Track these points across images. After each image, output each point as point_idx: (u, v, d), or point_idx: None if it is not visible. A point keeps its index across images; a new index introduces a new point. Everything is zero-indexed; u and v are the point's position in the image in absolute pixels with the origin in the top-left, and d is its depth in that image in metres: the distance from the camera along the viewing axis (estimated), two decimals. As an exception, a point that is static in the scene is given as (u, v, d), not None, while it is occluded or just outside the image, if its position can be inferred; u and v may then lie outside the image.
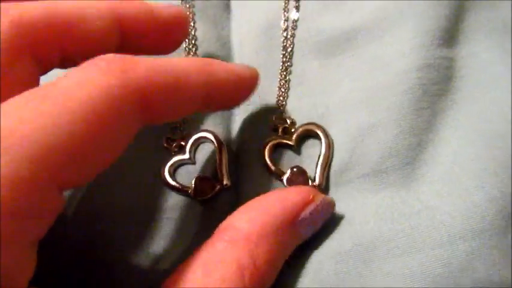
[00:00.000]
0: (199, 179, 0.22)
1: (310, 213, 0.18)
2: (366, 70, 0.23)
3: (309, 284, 0.19)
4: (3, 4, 0.16)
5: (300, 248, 0.19)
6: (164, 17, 0.19)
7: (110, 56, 0.15)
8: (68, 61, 0.18)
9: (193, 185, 0.21)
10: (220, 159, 0.22)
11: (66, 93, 0.14)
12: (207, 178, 0.22)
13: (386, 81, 0.22)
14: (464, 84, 0.22)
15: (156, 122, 0.17)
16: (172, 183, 0.22)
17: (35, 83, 0.17)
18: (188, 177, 0.22)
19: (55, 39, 0.17)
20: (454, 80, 0.22)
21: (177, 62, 0.17)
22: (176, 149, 0.23)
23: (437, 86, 0.22)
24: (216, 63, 0.19)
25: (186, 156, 0.22)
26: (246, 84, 0.20)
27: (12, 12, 0.16)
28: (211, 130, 0.23)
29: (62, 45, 0.17)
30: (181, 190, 0.21)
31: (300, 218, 0.18)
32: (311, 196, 0.18)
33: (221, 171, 0.22)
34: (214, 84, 0.18)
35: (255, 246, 0.16)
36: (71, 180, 0.14)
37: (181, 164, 0.22)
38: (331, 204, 0.20)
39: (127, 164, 0.21)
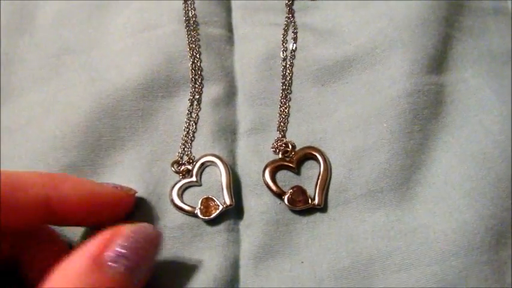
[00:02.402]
0: (205, 200, 0.23)
1: (120, 247, 0.17)
2: (360, 96, 0.24)
3: (309, 300, 0.19)
4: None
5: (298, 264, 0.20)
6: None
7: None
8: None
9: (199, 206, 0.23)
10: (225, 182, 0.23)
11: None
12: (212, 199, 0.23)
13: (379, 106, 0.23)
14: (454, 108, 0.23)
15: (6, 230, 0.18)
16: (180, 204, 0.23)
17: None
18: (194, 198, 0.23)
19: None
20: (444, 104, 0.24)
21: (14, 173, 0.18)
22: (184, 173, 0.24)
23: (427, 110, 0.23)
24: (69, 179, 0.20)
25: (193, 179, 0.24)
26: (110, 206, 0.21)
27: None
28: (216, 154, 0.24)
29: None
30: (187, 211, 0.23)
31: (105, 256, 0.17)
32: (112, 232, 0.18)
33: (224, 192, 0.23)
34: (58, 197, 0.19)
35: None
36: None
37: (188, 186, 0.24)
38: (144, 230, 0.18)
39: None
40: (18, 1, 0.31)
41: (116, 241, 0.17)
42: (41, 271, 0.18)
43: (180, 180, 0.24)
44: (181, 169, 0.24)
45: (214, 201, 0.23)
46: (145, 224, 0.19)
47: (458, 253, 0.19)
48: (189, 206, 0.23)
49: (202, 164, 0.24)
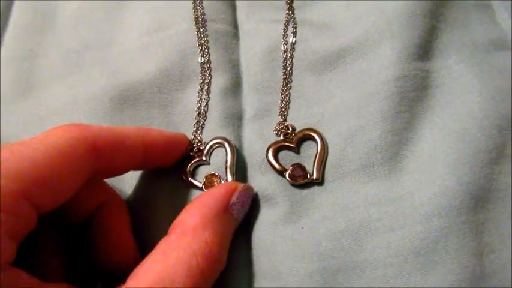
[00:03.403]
0: (210, 176, 0.26)
1: (237, 198, 0.23)
2: (354, 82, 0.27)
3: (308, 259, 0.22)
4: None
5: (299, 230, 0.22)
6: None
7: (71, 124, 0.21)
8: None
9: (203, 181, 0.26)
10: (229, 161, 0.26)
11: (38, 141, 0.20)
12: (216, 176, 0.26)
13: (370, 90, 0.26)
14: (439, 91, 0.26)
15: (107, 174, 0.23)
16: (190, 179, 0.26)
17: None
18: (203, 175, 0.26)
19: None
20: (429, 88, 0.26)
21: (120, 128, 0.24)
22: (196, 153, 0.27)
23: (414, 93, 0.25)
24: (151, 129, 0.25)
25: (203, 158, 0.27)
26: (176, 146, 0.26)
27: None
28: (224, 137, 0.27)
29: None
30: (195, 185, 0.26)
31: (230, 203, 0.23)
32: (234, 186, 0.23)
33: (228, 171, 0.26)
34: (150, 143, 0.24)
35: (201, 232, 0.21)
36: (38, 199, 0.19)
37: (199, 164, 0.27)
38: (250, 188, 0.24)
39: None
40: (40, 1, 0.34)
41: (236, 194, 0.23)
42: (104, 233, 0.23)
43: (191, 159, 0.26)
44: (194, 150, 0.27)
45: (218, 177, 0.26)
46: (247, 184, 0.25)
47: (440, 214, 0.21)
48: (198, 181, 0.26)
49: (212, 145, 0.27)
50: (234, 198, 0.23)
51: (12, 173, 0.18)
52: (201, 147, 0.27)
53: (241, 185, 0.24)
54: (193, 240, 0.20)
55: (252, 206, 0.25)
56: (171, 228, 0.22)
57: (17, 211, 0.18)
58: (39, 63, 0.31)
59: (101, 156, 0.21)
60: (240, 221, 0.24)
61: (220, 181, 0.26)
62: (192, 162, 0.26)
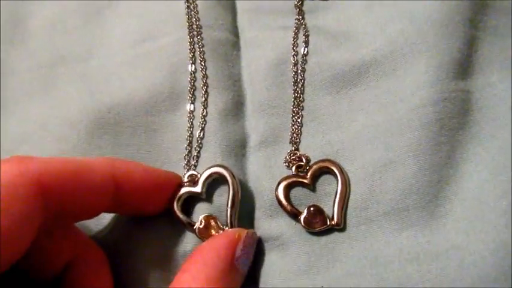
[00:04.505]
0: (206, 218, 0.21)
1: (242, 250, 0.20)
2: (379, 105, 0.23)
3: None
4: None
5: None
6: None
7: (9, 158, 0.17)
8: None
9: (198, 224, 0.21)
10: (231, 202, 0.21)
11: None
12: (213, 217, 0.21)
13: (401, 116, 0.22)
14: (482, 116, 0.22)
15: (70, 218, 0.19)
16: (179, 215, 0.22)
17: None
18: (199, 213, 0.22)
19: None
20: (471, 112, 0.22)
21: (78, 159, 0.19)
22: (187, 180, 0.22)
23: (454, 120, 0.21)
24: (127, 161, 0.21)
25: (198, 189, 0.22)
26: (165, 187, 0.21)
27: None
28: (227, 166, 0.22)
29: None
30: (186, 224, 0.22)
31: (235, 258, 0.19)
32: (236, 235, 0.20)
33: (230, 217, 0.21)
34: (123, 178, 0.19)
35: None
36: None
37: (190, 195, 0.22)
38: (254, 234, 0.21)
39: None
40: (10, 7, 0.29)
41: (240, 245, 0.20)
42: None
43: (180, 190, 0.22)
44: (185, 184, 0.22)
45: (216, 221, 0.21)
46: (250, 230, 0.21)
47: (499, 279, 0.17)
48: (188, 218, 0.22)
49: (209, 176, 0.22)
50: (238, 251, 0.20)
51: None
52: (195, 180, 0.22)
53: (244, 233, 0.20)
54: None
55: (259, 255, 0.21)
56: None
57: None
58: (6, 80, 0.27)
59: (51, 196, 0.17)
60: (245, 274, 0.20)
61: (218, 225, 0.21)
62: (182, 193, 0.22)
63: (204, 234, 0.21)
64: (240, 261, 0.20)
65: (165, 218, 0.22)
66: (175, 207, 0.22)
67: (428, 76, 0.22)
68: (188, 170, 0.23)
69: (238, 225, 0.22)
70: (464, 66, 0.22)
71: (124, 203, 0.20)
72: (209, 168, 0.22)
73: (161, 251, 0.22)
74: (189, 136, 0.24)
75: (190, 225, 0.21)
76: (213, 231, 0.21)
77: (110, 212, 0.21)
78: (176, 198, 0.22)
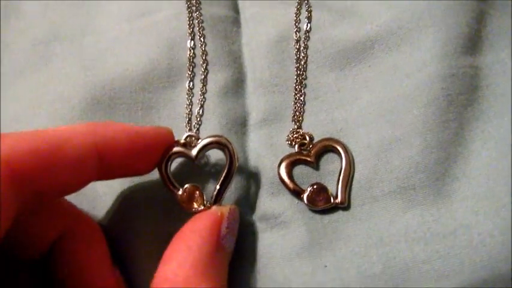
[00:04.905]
0: (191, 188, 0.20)
1: (227, 227, 0.19)
2: (385, 81, 0.22)
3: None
4: None
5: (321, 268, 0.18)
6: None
7: None
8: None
9: (183, 192, 0.20)
10: (224, 177, 0.20)
11: None
12: (198, 188, 0.20)
13: (407, 92, 0.21)
14: (491, 93, 0.21)
15: (53, 193, 0.17)
16: (164, 175, 0.20)
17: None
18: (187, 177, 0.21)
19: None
20: (480, 89, 0.21)
21: (53, 130, 0.17)
22: (184, 141, 0.21)
23: (463, 97, 0.21)
24: (110, 124, 0.19)
25: (193, 153, 0.21)
26: (154, 144, 0.20)
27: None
28: (226, 138, 0.21)
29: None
30: (170, 188, 0.20)
31: (221, 236, 0.19)
32: (219, 213, 0.19)
33: (217, 193, 0.20)
34: (106, 143, 0.18)
35: (197, 285, 0.17)
36: None
37: (181, 156, 0.21)
38: (236, 209, 0.20)
39: None
40: None
41: (224, 223, 0.19)
42: (73, 268, 0.18)
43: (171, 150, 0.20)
44: (180, 143, 0.21)
45: (200, 193, 0.20)
46: (232, 205, 0.20)
47: (508, 258, 0.17)
48: (174, 181, 0.20)
49: (207, 144, 0.21)
50: (223, 230, 0.19)
51: None
52: (193, 144, 0.21)
53: (227, 210, 0.19)
54: None
55: (260, 233, 0.21)
56: (156, 283, 0.17)
57: None
58: (1, 57, 0.26)
59: (25, 178, 0.16)
60: (232, 251, 0.20)
61: (203, 199, 0.20)
62: (172, 152, 0.20)
63: (185, 203, 0.20)
64: (225, 239, 0.19)
65: (162, 194, 0.21)
66: (162, 166, 0.20)
67: (436, 51, 0.21)
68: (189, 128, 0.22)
69: (237, 203, 0.21)
70: (473, 41, 0.22)
71: (111, 170, 0.19)
72: (212, 136, 0.21)
73: (159, 227, 0.21)
74: (188, 114, 0.23)
75: (174, 189, 0.20)
76: (195, 205, 0.20)
77: (97, 180, 0.19)
78: (166, 157, 0.20)
